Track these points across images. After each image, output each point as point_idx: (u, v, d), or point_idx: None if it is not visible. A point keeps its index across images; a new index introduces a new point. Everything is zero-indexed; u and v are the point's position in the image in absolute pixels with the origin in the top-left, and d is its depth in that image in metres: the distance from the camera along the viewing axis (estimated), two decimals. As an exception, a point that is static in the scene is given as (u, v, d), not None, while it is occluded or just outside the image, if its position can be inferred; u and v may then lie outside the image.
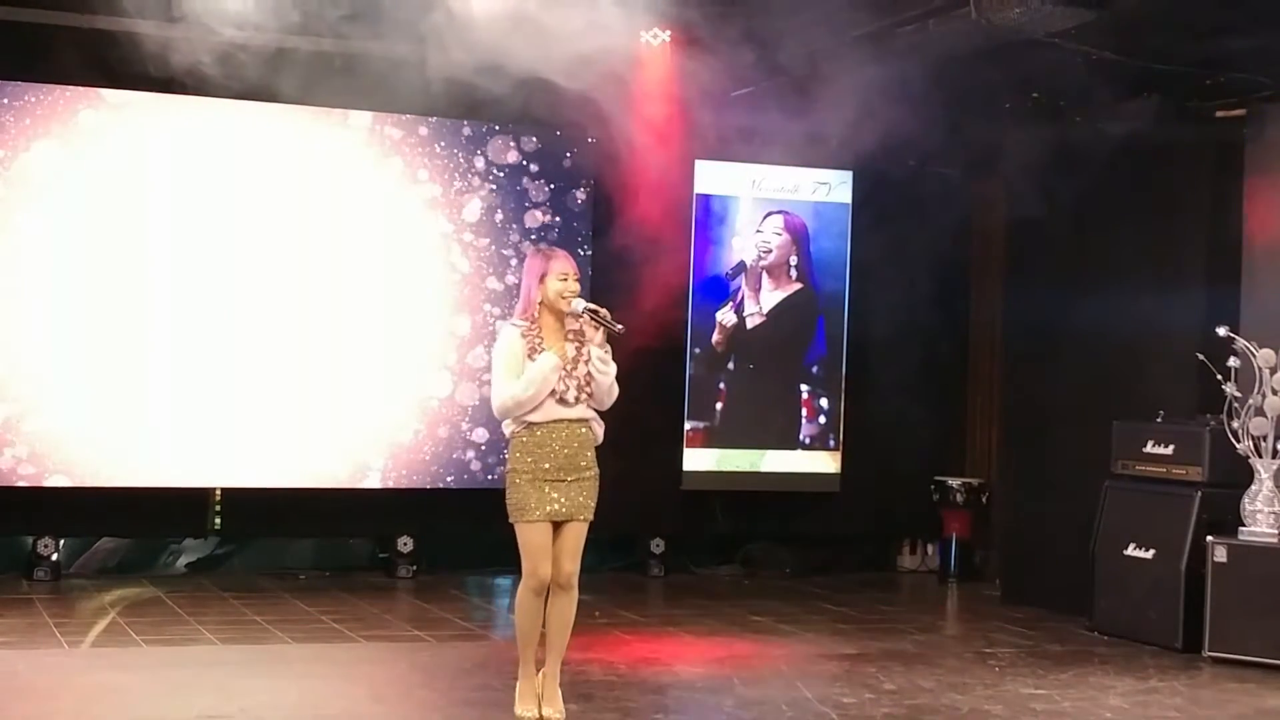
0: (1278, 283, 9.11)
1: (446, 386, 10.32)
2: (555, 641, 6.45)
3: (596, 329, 6.36)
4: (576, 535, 6.40)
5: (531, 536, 6.34)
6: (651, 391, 10.11)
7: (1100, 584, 9.15)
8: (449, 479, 10.31)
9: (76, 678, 7.25)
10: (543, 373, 6.29)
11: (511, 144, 10.48)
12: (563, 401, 6.34)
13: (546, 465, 6.32)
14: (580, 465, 6.38)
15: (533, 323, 6.41)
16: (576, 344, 6.40)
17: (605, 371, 6.37)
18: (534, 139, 10.52)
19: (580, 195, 10.63)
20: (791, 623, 9.29)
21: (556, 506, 6.33)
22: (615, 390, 6.44)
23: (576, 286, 6.39)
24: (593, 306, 6.37)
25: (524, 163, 10.51)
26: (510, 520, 6.38)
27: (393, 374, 10.21)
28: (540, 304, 6.40)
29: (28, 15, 9.36)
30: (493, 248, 10.43)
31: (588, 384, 6.37)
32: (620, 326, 6.37)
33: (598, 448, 6.51)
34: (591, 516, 6.44)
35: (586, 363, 6.37)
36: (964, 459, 11.69)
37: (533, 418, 6.35)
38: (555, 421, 6.35)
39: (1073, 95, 9.32)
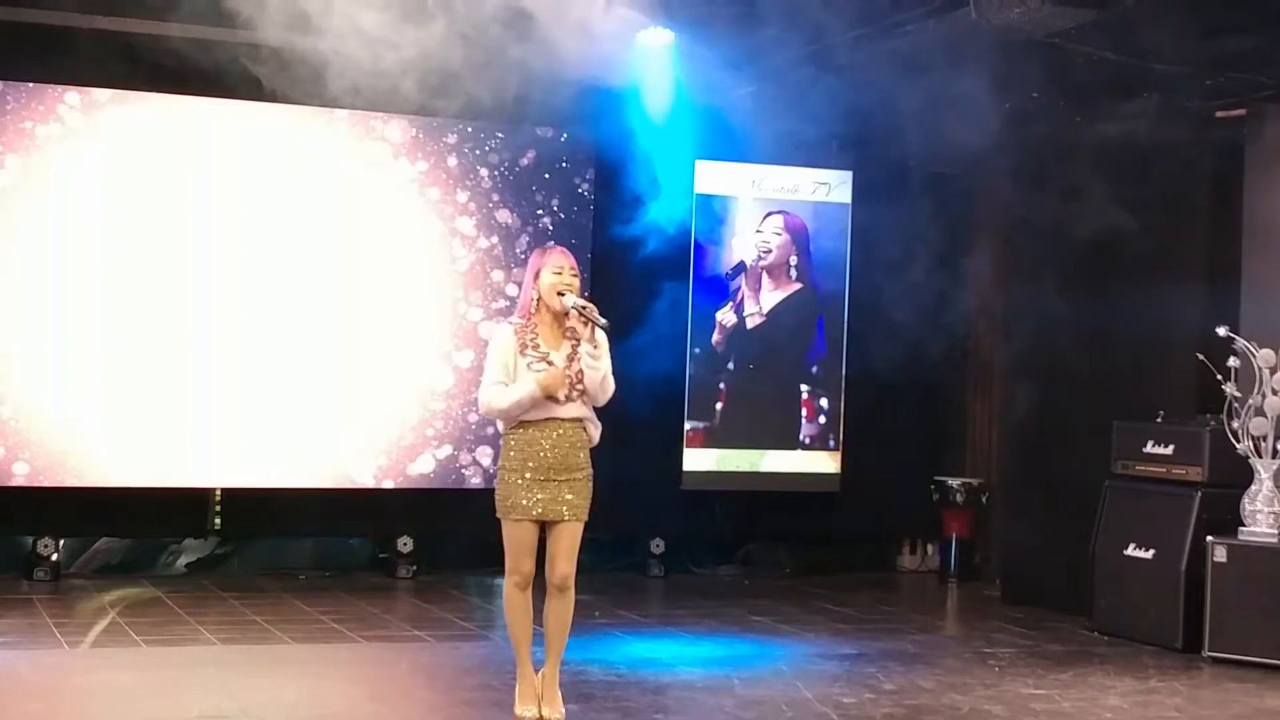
0: (1278, 283, 9.11)
1: (447, 387, 10.31)
2: (553, 643, 6.45)
3: (585, 325, 6.36)
4: (571, 536, 6.39)
5: (515, 534, 6.36)
6: (651, 391, 10.10)
7: (1100, 584, 9.15)
8: (449, 479, 10.31)
9: (76, 678, 7.25)
10: (518, 399, 6.27)
11: (513, 144, 10.47)
12: (554, 400, 6.34)
13: (535, 464, 6.31)
14: (571, 465, 6.36)
15: (528, 320, 6.41)
16: (573, 342, 6.38)
17: (595, 367, 6.34)
18: (535, 139, 10.51)
19: (581, 195, 10.62)
20: (791, 623, 9.28)
21: (541, 509, 6.32)
22: (610, 386, 6.41)
23: (573, 281, 6.37)
24: (581, 303, 6.36)
25: (525, 162, 10.50)
26: (497, 515, 6.40)
27: (393, 374, 10.20)
28: (538, 301, 6.40)
29: (29, 15, 9.36)
30: (495, 248, 10.43)
31: (579, 381, 6.37)
32: (605, 322, 6.36)
33: (596, 448, 6.50)
34: (584, 516, 6.41)
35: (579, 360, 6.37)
36: (964, 459, 11.68)
37: (525, 416, 6.34)
38: (548, 420, 6.34)
39: (1073, 95, 9.32)
